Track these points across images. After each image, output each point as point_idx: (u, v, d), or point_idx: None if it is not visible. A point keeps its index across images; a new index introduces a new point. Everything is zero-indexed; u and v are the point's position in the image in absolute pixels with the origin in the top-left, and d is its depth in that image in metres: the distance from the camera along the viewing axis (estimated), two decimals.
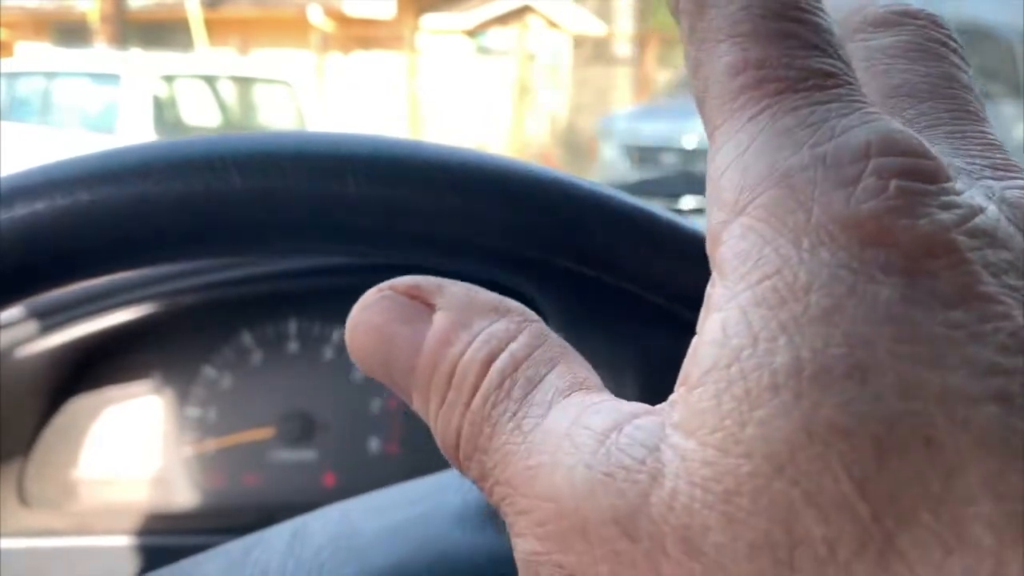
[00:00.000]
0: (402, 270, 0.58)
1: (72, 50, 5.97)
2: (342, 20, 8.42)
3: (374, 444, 0.54)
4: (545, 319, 0.24)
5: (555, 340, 0.13)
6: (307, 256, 0.51)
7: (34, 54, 6.63)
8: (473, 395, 0.13)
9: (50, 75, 4.78)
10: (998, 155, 0.13)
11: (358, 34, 8.51)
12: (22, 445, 0.52)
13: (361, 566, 0.22)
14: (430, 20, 8.69)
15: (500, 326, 0.13)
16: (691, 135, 3.82)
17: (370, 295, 0.14)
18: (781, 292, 0.11)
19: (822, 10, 0.13)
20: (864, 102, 0.12)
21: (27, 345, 0.49)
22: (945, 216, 0.11)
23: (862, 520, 0.10)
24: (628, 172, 3.99)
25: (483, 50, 8.80)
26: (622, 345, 0.23)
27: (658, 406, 0.12)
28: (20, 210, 0.19)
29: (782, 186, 0.11)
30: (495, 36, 8.83)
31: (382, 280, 0.53)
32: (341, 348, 0.54)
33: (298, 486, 0.53)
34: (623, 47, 9.37)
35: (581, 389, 0.12)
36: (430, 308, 0.13)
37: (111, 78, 4.51)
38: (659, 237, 0.21)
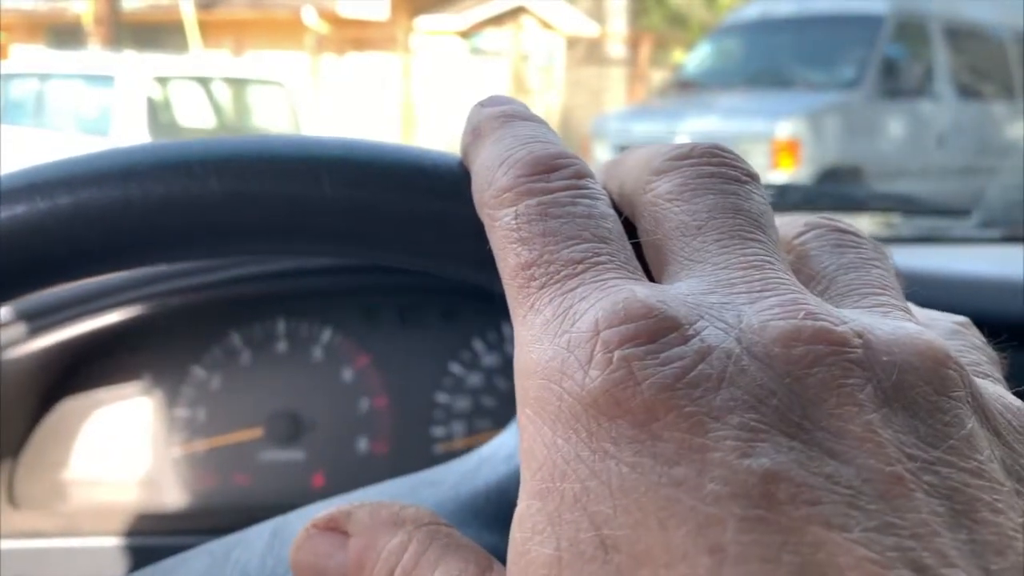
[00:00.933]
0: (385, 271, 0.58)
1: (66, 52, 5.95)
2: (336, 21, 8.40)
3: (362, 444, 0.54)
4: None
5: (443, 538, 0.15)
6: (289, 258, 0.51)
7: (28, 56, 6.61)
8: None
9: (44, 77, 4.77)
10: (757, 276, 0.14)
11: (352, 35, 8.50)
12: (11, 447, 0.52)
13: None
14: (424, 21, 8.68)
15: (395, 542, 0.15)
16: (683, 135, 3.82)
17: (300, 536, 0.16)
18: (547, 483, 0.12)
19: (584, 192, 0.15)
20: (608, 276, 0.14)
21: (16, 347, 0.49)
22: (667, 372, 0.12)
23: None
24: None
25: (477, 51, 8.80)
26: None
27: None
28: (1, 213, 0.19)
29: (543, 377, 0.13)
30: (489, 37, 8.82)
31: (368, 282, 0.53)
32: (329, 348, 0.55)
33: (287, 486, 0.53)
34: (616, 48, 9.38)
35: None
36: (345, 536, 0.16)
37: (105, 80, 4.50)
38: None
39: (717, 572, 0.11)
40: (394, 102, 8.20)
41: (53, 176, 0.20)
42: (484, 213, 0.16)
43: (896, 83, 4.34)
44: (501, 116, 0.17)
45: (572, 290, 0.13)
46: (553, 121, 8.20)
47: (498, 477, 0.24)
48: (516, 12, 8.69)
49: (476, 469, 0.25)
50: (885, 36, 4.30)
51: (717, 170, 0.16)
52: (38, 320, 0.49)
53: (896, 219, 0.85)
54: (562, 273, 0.14)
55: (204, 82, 4.99)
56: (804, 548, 0.11)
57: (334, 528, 0.16)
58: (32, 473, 0.52)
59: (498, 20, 8.69)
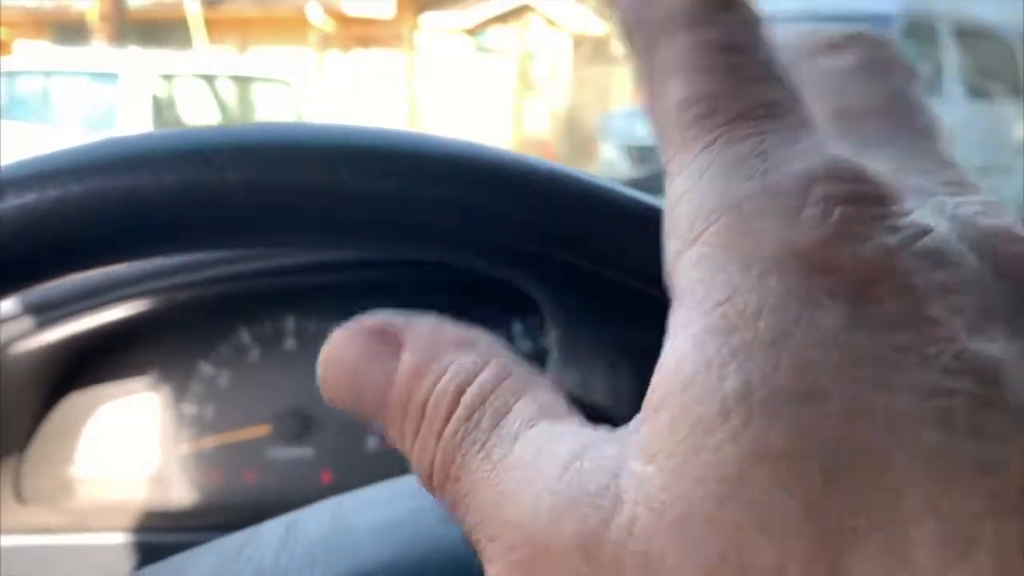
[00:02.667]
0: (398, 265, 0.58)
1: (71, 49, 5.96)
2: (341, 19, 8.42)
3: (371, 442, 0.54)
4: (542, 314, 0.24)
5: (522, 370, 0.14)
6: (302, 250, 0.51)
7: (33, 53, 6.63)
8: (444, 426, 0.13)
9: (49, 74, 4.78)
10: (951, 172, 0.13)
11: (357, 33, 8.52)
12: (18, 442, 0.52)
13: (354, 561, 0.22)
14: (430, 19, 8.69)
15: (468, 359, 0.13)
16: None
17: (339, 334, 0.14)
18: (731, 319, 0.11)
19: (768, 43, 0.13)
20: (812, 128, 0.12)
21: (23, 341, 0.49)
22: (889, 239, 0.11)
23: (810, 542, 0.10)
24: (628, 171, 3.99)
25: (483, 49, 8.80)
26: (619, 339, 0.23)
27: (620, 430, 0.12)
28: (12, 201, 0.19)
29: (733, 215, 0.12)
30: (495, 35, 8.83)
31: (379, 276, 0.53)
32: None
33: (295, 484, 0.53)
34: (623, 46, 9.36)
35: (547, 418, 0.13)
36: (398, 345, 0.14)
37: (110, 77, 4.51)
38: (657, 230, 0.21)
39: (948, 442, 0.10)
40: (399, 100, 8.21)
41: (64, 164, 0.19)
42: (643, 34, 0.14)
43: None
44: None
45: (774, 131, 0.12)
46: (559, 120, 8.21)
47: None
48: (522, 10, 8.69)
49: None
50: (894, 35, 4.29)
51: (895, 61, 0.15)
52: (45, 314, 0.48)
53: None
54: (759, 111, 0.12)
55: (209, 79, 5.01)
56: None
57: (387, 332, 0.14)
58: (39, 469, 0.52)
59: (504, 18, 8.70)
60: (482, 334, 0.14)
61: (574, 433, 0.12)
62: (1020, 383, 0.11)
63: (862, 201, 0.12)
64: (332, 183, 0.19)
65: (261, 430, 0.53)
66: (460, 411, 0.13)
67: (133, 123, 4.31)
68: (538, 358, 0.61)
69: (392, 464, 0.54)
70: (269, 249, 0.50)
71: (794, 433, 0.10)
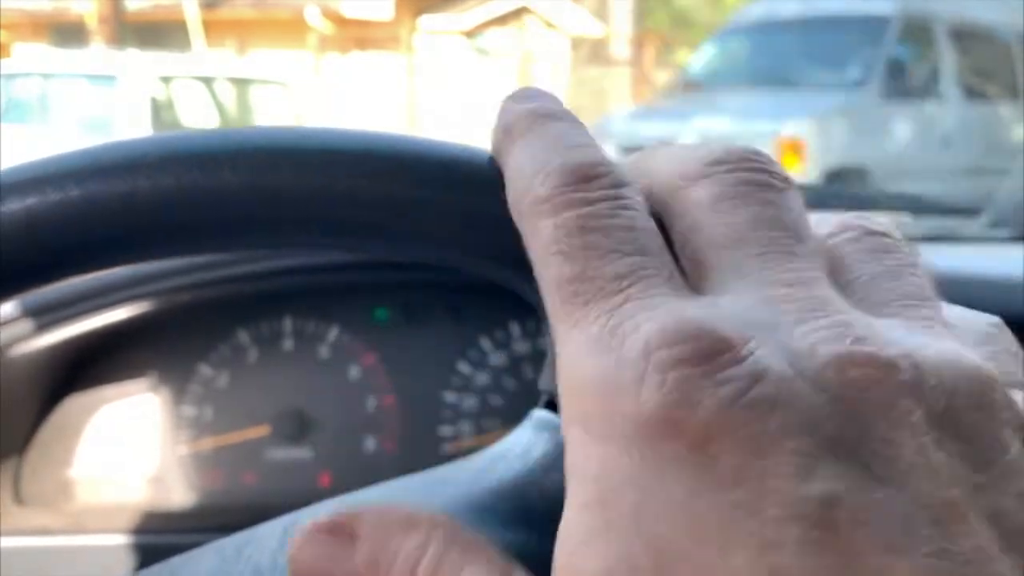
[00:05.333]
0: (395, 267, 0.58)
1: (69, 51, 5.96)
2: (340, 21, 8.42)
3: (370, 443, 0.54)
4: (538, 317, 0.24)
5: (461, 540, 0.15)
6: (301, 252, 0.51)
7: (31, 55, 6.62)
8: None
9: (47, 76, 4.78)
10: (803, 294, 0.14)
11: (356, 35, 8.52)
12: (18, 444, 0.52)
13: None
14: (428, 21, 8.69)
15: (413, 543, 0.14)
16: (689, 136, 3.82)
17: (299, 540, 0.15)
18: (600, 496, 0.12)
19: (624, 203, 0.15)
20: (654, 292, 0.13)
21: (22, 343, 0.49)
22: (722, 394, 0.12)
23: None
24: None
25: (481, 51, 8.81)
26: None
27: None
28: (11, 205, 0.19)
29: (595, 395, 0.13)
30: (493, 37, 8.84)
31: (376, 278, 0.53)
32: (336, 347, 0.54)
33: (294, 485, 0.53)
34: (621, 48, 9.38)
35: None
36: (353, 537, 0.15)
37: (108, 79, 4.51)
38: None
39: None
40: (398, 102, 8.21)
41: (63, 167, 0.20)
42: (521, 221, 0.16)
43: (902, 84, 4.34)
44: (532, 114, 0.17)
45: (619, 307, 0.13)
46: None
47: (512, 474, 0.24)
48: (520, 12, 8.70)
49: (490, 467, 0.24)
50: (891, 37, 4.29)
51: (755, 177, 0.15)
52: (44, 316, 0.49)
53: (905, 218, 0.85)
54: (607, 289, 0.13)
55: (207, 81, 5.01)
56: (865, 572, 0.11)
57: (339, 530, 0.15)
58: (38, 470, 0.52)
59: (502, 20, 8.71)
60: (422, 513, 0.15)
61: None
62: (852, 516, 0.11)
63: (694, 360, 0.12)
64: (328, 186, 0.19)
65: (260, 431, 0.53)
66: None
67: (131, 125, 4.30)
68: (535, 359, 0.60)
69: (391, 465, 0.54)
70: (266, 251, 0.50)
71: None
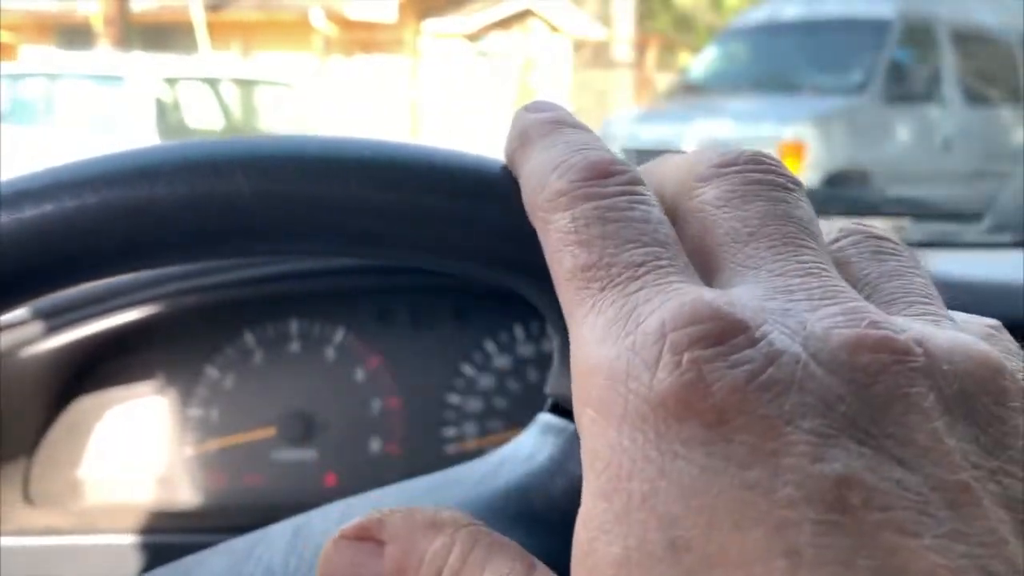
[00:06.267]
0: (400, 271, 0.58)
1: (75, 52, 5.97)
2: (344, 24, 8.42)
3: (375, 444, 0.54)
4: (544, 320, 0.25)
5: (485, 539, 0.15)
6: (303, 258, 0.51)
7: (37, 56, 6.63)
8: None
9: (53, 77, 4.78)
10: (815, 283, 0.14)
11: (360, 38, 8.52)
12: (27, 445, 0.52)
13: None
14: (431, 24, 8.69)
15: (438, 544, 0.15)
16: (691, 138, 3.82)
17: (328, 548, 0.16)
18: (613, 482, 0.12)
19: (640, 199, 0.15)
20: (670, 279, 0.14)
21: (32, 346, 0.49)
22: (737, 374, 0.12)
23: None
24: None
25: (484, 54, 8.80)
26: None
27: None
28: (28, 212, 0.19)
29: (608, 379, 0.13)
30: (496, 40, 8.83)
31: (382, 281, 0.53)
32: (342, 348, 0.55)
33: (299, 486, 0.53)
34: (623, 51, 9.37)
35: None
36: (380, 544, 0.15)
37: (114, 81, 4.51)
38: None
39: (793, 574, 0.11)
40: (401, 104, 8.21)
41: (80, 175, 0.20)
42: (537, 217, 0.16)
43: (903, 87, 4.33)
44: (549, 122, 0.17)
45: (635, 292, 0.13)
46: None
47: (518, 477, 0.24)
48: (523, 15, 8.70)
49: (496, 469, 0.25)
50: (892, 40, 4.29)
51: (764, 177, 0.16)
52: (53, 319, 0.49)
53: (906, 223, 0.85)
54: (623, 276, 0.14)
55: (212, 83, 5.01)
56: (879, 553, 0.11)
57: (365, 536, 0.15)
58: (47, 471, 0.52)
59: (505, 23, 8.70)
60: (448, 511, 0.15)
61: None
62: (867, 497, 0.11)
63: (709, 341, 0.12)
64: (340, 194, 0.20)
65: (266, 432, 0.54)
66: None
67: (137, 127, 4.31)
68: (539, 362, 0.61)
69: (395, 467, 0.55)
70: (281, 256, 0.50)
71: None
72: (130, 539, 0.51)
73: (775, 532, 0.11)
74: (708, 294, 0.13)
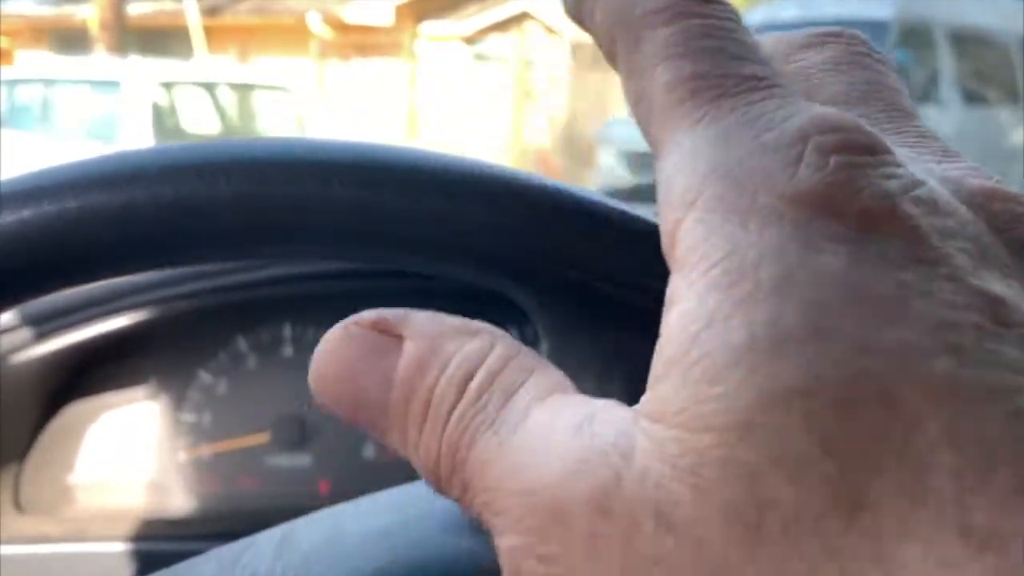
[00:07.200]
0: (392, 275, 0.58)
1: (72, 58, 5.98)
2: (341, 27, 8.44)
3: (369, 450, 0.54)
4: (532, 324, 0.24)
5: (528, 351, 0.13)
6: (298, 261, 0.51)
7: (34, 62, 6.65)
8: (450, 415, 0.13)
9: (50, 83, 4.79)
10: (934, 144, 0.14)
11: (357, 41, 8.54)
12: (18, 451, 0.52)
13: (347, 570, 0.22)
14: (429, 27, 8.71)
15: (473, 346, 0.13)
16: None
17: (334, 332, 0.13)
18: (732, 274, 0.11)
19: (746, 29, 0.14)
20: (798, 97, 0.13)
21: (22, 351, 0.49)
22: (888, 184, 0.11)
23: (828, 477, 0.10)
24: (627, 177, 3.99)
25: (481, 57, 8.82)
26: (610, 350, 0.23)
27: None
28: (7, 216, 0.19)
29: (728, 177, 0.12)
30: (493, 43, 8.85)
31: (373, 285, 0.53)
32: None
33: (293, 491, 0.53)
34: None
35: (556, 392, 0.13)
36: (398, 339, 0.13)
37: (111, 85, 4.52)
38: (646, 241, 0.22)
39: (957, 373, 0.10)
40: (399, 107, 8.23)
41: (61, 179, 0.20)
42: (626, 34, 0.14)
43: None
44: None
45: (762, 100, 0.12)
46: (558, 127, 8.22)
47: None
48: (520, 18, 8.72)
49: None
50: (890, 42, 4.30)
51: (868, 52, 0.16)
52: (44, 324, 0.49)
53: None
54: (745, 85, 0.12)
55: (209, 87, 5.02)
56: None
57: (384, 328, 0.13)
58: (38, 477, 0.52)
59: (503, 26, 8.72)
60: (485, 324, 0.14)
61: (584, 402, 0.12)
62: (1019, 319, 0.11)
63: (857, 150, 0.12)
64: (324, 196, 0.20)
65: (259, 438, 0.53)
66: (468, 395, 0.12)
67: (134, 132, 4.31)
68: None
69: (390, 472, 0.54)
70: (264, 259, 0.50)
71: (804, 371, 0.10)
72: (122, 546, 0.51)
73: (936, 330, 0.10)
74: (848, 115, 0.12)
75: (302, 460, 0.53)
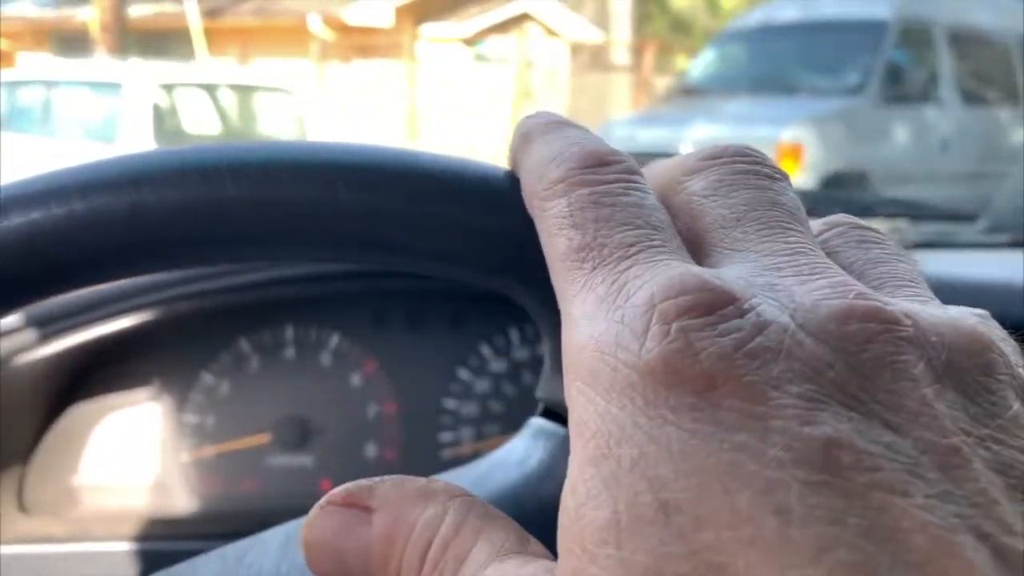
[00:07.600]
0: (393, 276, 0.58)
1: (72, 60, 5.98)
2: (341, 29, 8.44)
3: (371, 450, 0.54)
4: (533, 323, 0.25)
5: (479, 508, 0.15)
6: (298, 264, 0.51)
7: (35, 64, 6.65)
8: None
9: (51, 85, 4.79)
10: (803, 260, 0.14)
11: (357, 43, 8.54)
12: (22, 452, 0.52)
13: None
14: (429, 29, 8.71)
15: (431, 512, 0.15)
16: (688, 141, 3.83)
17: (313, 513, 0.15)
18: (602, 449, 0.12)
19: (635, 186, 0.15)
20: (660, 257, 0.14)
21: (27, 353, 0.49)
22: (724, 343, 0.12)
23: None
24: None
25: (481, 58, 8.82)
26: None
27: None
28: (16, 219, 0.19)
29: (595, 350, 0.13)
30: (493, 44, 8.85)
31: (376, 285, 0.53)
32: (337, 354, 0.55)
33: (295, 491, 0.53)
34: (621, 54, 9.40)
35: (499, 556, 0.14)
36: (368, 511, 0.15)
37: (112, 87, 4.52)
38: None
39: (783, 533, 0.11)
40: (399, 109, 8.23)
41: (68, 182, 0.20)
42: (534, 205, 0.16)
43: (900, 89, 4.34)
44: (550, 123, 0.18)
45: (626, 270, 0.14)
46: None
47: (509, 483, 0.24)
48: (520, 19, 8.72)
49: (487, 474, 0.25)
50: (889, 42, 4.30)
51: (750, 167, 0.16)
52: (48, 326, 0.49)
53: (903, 224, 0.85)
54: (615, 255, 0.14)
55: (210, 89, 5.02)
56: (869, 511, 0.11)
57: (353, 503, 0.15)
58: (42, 479, 0.52)
59: (502, 27, 8.72)
60: (440, 482, 0.15)
61: (521, 563, 0.14)
62: (856, 459, 0.11)
63: (696, 311, 0.12)
64: (327, 199, 0.20)
65: (261, 438, 0.54)
66: (427, 565, 0.14)
67: (135, 134, 4.31)
68: (535, 366, 0.61)
69: (391, 472, 0.54)
70: (269, 261, 0.50)
71: (655, 551, 0.11)
72: (126, 546, 0.51)
73: (764, 492, 0.11)
74: (697, 268, 0.13)
75: (304, 460, 0.54)
